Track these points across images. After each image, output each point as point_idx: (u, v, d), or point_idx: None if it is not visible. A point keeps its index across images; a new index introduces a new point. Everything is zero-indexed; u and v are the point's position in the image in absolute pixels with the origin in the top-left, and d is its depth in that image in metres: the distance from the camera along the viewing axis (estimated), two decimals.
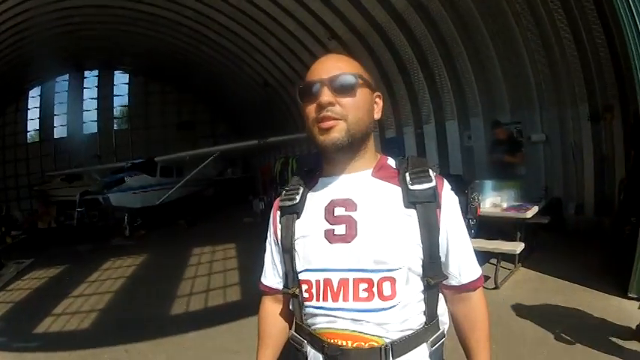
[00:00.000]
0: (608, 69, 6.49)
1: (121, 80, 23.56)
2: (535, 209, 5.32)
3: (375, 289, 1.05)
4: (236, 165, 21.81)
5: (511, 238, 5.29)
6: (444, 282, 1.15)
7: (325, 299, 1.10)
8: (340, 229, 1.10)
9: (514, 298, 4.56)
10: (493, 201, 5.55)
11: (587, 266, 5.07)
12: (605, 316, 3.86)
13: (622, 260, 4.55)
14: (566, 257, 5.53)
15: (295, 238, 1.17)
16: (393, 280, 1.05)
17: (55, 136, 22.18)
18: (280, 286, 1.29)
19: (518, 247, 5.01)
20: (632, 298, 4.13)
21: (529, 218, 5.22)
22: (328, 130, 1.08)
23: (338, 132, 1.07)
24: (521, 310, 4.23)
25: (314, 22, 11.07)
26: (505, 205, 5.47)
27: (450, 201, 1.15)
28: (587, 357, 3.23)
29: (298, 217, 1.19)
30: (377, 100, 1.19)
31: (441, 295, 1.18)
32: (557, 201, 7.18)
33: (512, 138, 7.45)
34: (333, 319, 1.10)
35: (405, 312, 1.08)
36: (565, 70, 7.14)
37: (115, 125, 23.90)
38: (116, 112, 24.07)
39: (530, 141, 7.88)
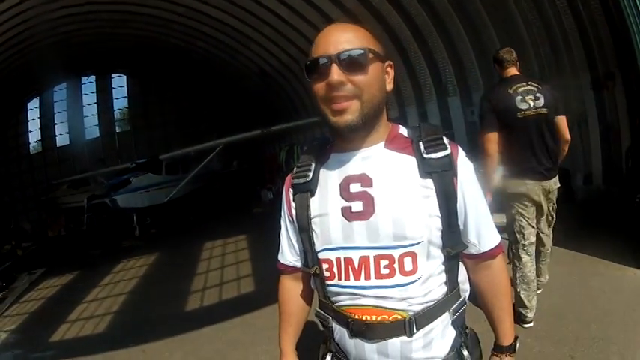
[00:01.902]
0: (606, 36, 6.31)
1: (118, 83, 23.72)
2: None
3: (396, 265, 1.06)
4: (242, 157, 21.73)
5: None
6: (464, 251, 1.16)
7: (347, 278, 1.10)
8: (357, 206, 1.09)
9: None
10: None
11: (599, 237, 4.91)
12: (620, 287, 3.81)
13: (634, 229, 4.47)
14: (578, 228, 5.38)
15: (311, 216, 1.15)
16: (414, 255, 1.06)
17: (58, 145, 22.30)
18: (298, 264, 1.30)
19: None
20: None
21: None
22: (341, 111, 1.03)
23: (352, 113, 1.03)
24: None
25: (307, 8, 10.95)
26: None
27: (466, 168, 1.13)
28: (601, 327, 3.18)
29: (312, 195, 1.17)
30: (388, 69, 1.13)
31: (461, 263, 1.18)
32: (564, 172, 7.07)
33: None
34: (356, 297, 1.11)
35: (427, 284, 1.09)
36: (563, 40, 6.98)
37: (117, 128, 24.02)
38: (117, 114, 24.21)
39: None
